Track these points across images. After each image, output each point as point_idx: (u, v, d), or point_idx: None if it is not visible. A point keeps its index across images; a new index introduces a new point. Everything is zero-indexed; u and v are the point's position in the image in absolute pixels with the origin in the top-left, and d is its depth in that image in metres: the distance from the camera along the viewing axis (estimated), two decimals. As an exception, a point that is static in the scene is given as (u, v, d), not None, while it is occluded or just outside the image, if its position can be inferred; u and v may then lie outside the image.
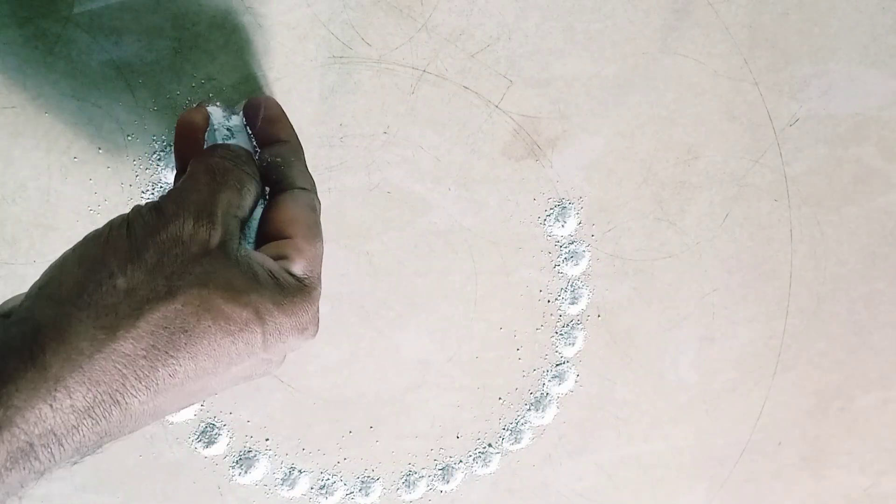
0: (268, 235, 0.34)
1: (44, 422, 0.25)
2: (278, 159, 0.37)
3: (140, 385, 0.27)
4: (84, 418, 0.26)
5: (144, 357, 0.27)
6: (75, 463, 0.27)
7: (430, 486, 0.53)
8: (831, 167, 0.50)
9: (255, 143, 0.38)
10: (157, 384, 0.27)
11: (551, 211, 0.48)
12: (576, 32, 0.45)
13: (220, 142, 0.37)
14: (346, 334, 0.48)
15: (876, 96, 0.48)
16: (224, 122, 0.38)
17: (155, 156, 0.43)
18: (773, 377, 0.55)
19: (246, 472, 0.50)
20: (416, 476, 0.52)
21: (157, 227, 0.29)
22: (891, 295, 0.54)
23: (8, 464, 0.25)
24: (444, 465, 0.53)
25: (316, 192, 0.38)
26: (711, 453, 0.56)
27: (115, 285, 0.27)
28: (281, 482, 0.51)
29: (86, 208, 0.43)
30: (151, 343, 0.27)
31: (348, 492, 0.52)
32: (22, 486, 0.26)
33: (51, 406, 0.25)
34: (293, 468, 0.51)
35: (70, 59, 0.40)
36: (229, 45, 0.42)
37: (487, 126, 0.46)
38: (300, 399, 0.48)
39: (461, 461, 0.53)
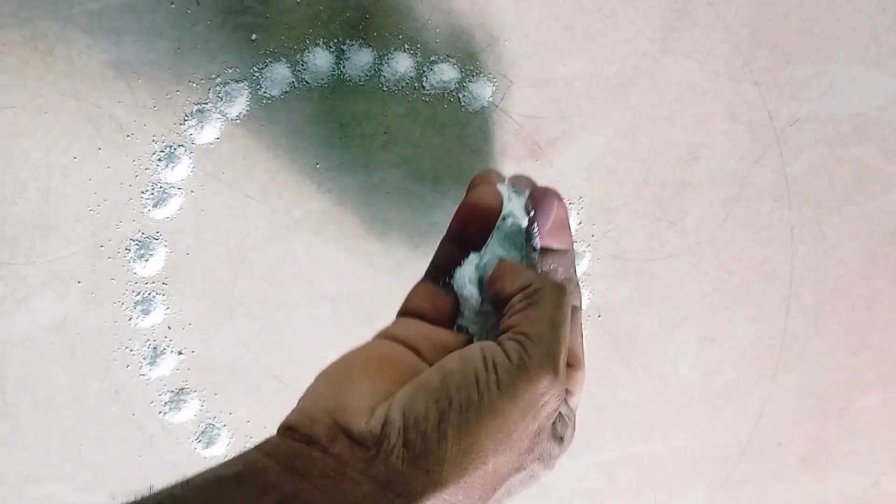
0: None
1: None
2: (559, 268, 0.35)
3: None
4: None
5: None
6: None
7: (431, 487, 0.53)
8: (832, 167, 0.50)
9: (533, 233, 0.35)
10: None
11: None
12: (576, 32, 0.45)
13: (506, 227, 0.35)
14: (346, 335, 0.48)
15: (876, 96, 0.48)
16: (506, 205, 0.36)
17: (155, 156, 0.43)
18: (774, 377, 0.55)
19: (246, 472, 0.50)
20: (417, 476, 0.52)
21: (529, 403, 0.28)
22: (891, 295, 0.54)
23: None
24: (444, 466, 0.53)
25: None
26: (712, 454, 0.56)
27: (487, 469, 0.27)
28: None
29: (86, 208, 0.43)
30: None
31: (348, 492, 0.52)
32: None
33: None
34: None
35: (70, 59, 0.40)
36: (229, 45, 0.42)
37: (487, 126, 0.46)
38: (300, 399, 0.48)
39: (461, 461, 0.53)
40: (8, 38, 0.39)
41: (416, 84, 0.44)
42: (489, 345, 0.29)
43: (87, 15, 0.40)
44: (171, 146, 0.43)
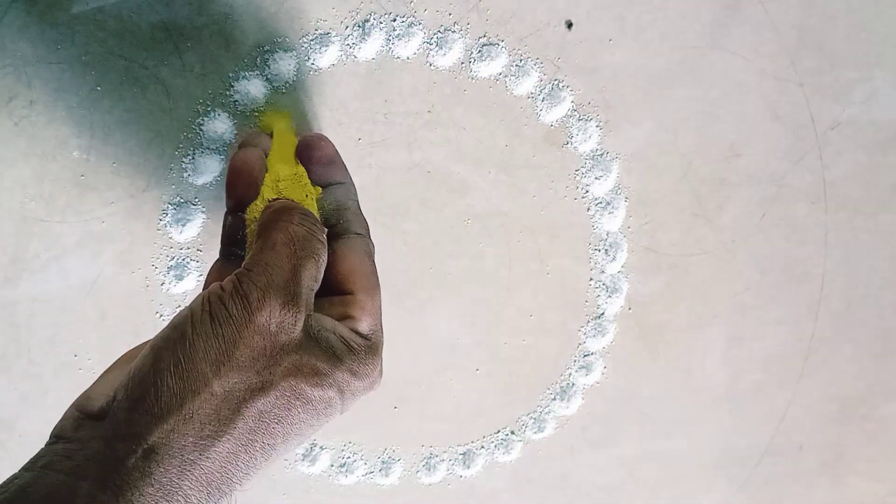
0: (327, 286, 0.34)
1: None
2: (333, 203, 0.37)
3: (242, 475, 0.28)
4: None
5: (244, 451, 0.28)
6: None
7: (450, 471, 0.53)
8: (870, 173, 0.50)
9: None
10: (256, 469, 0.29)
11: (600, 200, 0.48)
12: (626, 22, 0.44)
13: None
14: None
15: (918, 105, 0.48)
16: None
17: (198, 121, 0.43)
18: (799, 380, 0.55)
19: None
20: (437, 459, 0.52)
21: (244, 320, 0.28)
22: (918, 305, 0.54)
23: None
24: (465, 450, 0.52)
25: (370, 235, 0.37)
26: (732, 454, 0.56)
27: (213, 392, 0.27)
28: (301, 458, 0.50)
29: (125, 169, 0.43)
30: (250, 438, 0.28)
31: (368, 471, 0.52)
32: None
33: None
34: (314, 444, 0.50)
35: (120, 18, 0.40)
36: (280, 14, 0.41)
37: (531, 111, 0.45)
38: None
39: (483, 447, 0.53)
40: (61, -8, 0.39)
41: (463, 65, 0.44)
42: (213, 286, 0.30)
43: (141, -27, 0.39)
44: (215, 112, 0.43)
